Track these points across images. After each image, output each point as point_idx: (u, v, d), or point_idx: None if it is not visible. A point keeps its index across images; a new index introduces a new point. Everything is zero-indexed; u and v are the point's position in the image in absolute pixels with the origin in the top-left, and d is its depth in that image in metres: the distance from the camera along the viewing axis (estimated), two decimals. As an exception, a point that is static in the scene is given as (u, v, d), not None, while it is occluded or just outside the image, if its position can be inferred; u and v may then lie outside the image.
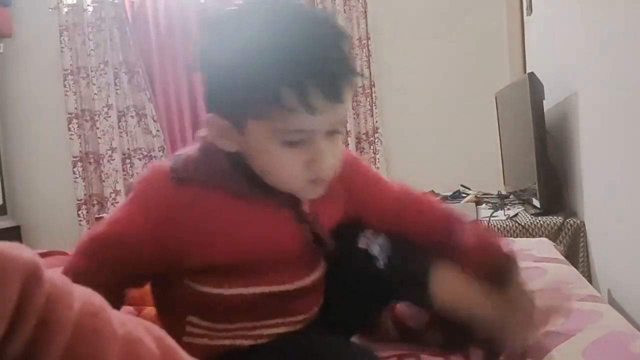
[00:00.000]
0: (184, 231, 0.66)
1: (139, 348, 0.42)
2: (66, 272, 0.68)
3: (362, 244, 0.74)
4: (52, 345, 0.36)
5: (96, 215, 3.72)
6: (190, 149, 0.72)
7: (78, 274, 0.62)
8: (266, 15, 0.63)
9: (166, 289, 0.74)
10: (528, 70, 2.65)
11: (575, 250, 2.01)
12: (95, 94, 3.85)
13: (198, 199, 0.67)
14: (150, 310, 1.11)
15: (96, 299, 0.42)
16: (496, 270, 0.79)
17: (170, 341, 0.47)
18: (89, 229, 3.86)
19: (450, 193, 2.83)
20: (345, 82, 0.63)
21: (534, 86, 2.05)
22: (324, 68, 0.61)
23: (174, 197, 0.67)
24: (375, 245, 0.74)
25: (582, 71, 1.90)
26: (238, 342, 0.72)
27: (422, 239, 0.80)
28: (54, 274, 0.40)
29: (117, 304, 0.70)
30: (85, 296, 0.41)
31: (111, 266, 0.67)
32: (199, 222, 0.66)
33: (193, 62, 0.71)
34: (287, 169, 0.66)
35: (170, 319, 0.74)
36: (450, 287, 0.76)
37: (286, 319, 0.74)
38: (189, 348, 0.60)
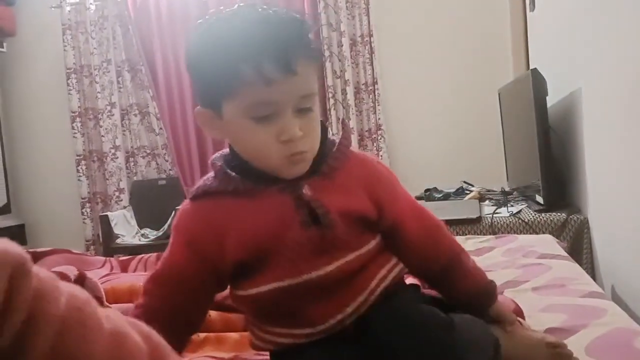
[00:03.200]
0: (209, 238, 0.74)
1: (125, 342, 0.43)
2: (138, 314, 0.74)
3: None
4: (39, 338, 0.36)
5: (100, 214, 3.73)
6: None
7: (149, 311, 0.73)
8: (235, 14, 0.73)
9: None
10: (531, 66, 2.65)
11: (579, 246, 2.00)
12: (98, 92, 3.86)
13: (211, 207, 0.75)
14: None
15: (81, 294, 0.42)
16: (484, 295, 0.85)
17: (157, 338, 0.47)
18: (93, 227, 3.88)
19: (454, 189, 2.83)
20: (297, 54, 0.69)
21: (537, 82, 2.04)
22: (276, 43, 0.69)
23: (194, 213, 0.76)
24: None
25: (586, 66, 1.89)
26: (268, 345, 0.78)
27: (438, 260, 0.83)
28: (39, 269, 0.40)
29: (197, 326, 0.81)
30: (70, 290, 0.41)
31: (179, 295, 0.75)
32: (217, 227, 0.73)
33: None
34: (261, 145, 0.71)
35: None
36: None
37: (305, 330, 0.74)
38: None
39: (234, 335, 1.07)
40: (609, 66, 1.63)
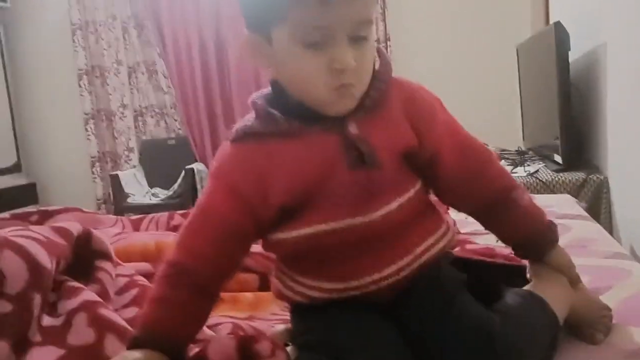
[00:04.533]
0: (252, 182, 0.70)
1: None
2: (169, 272, 0.70)
3: None
4: None
5: (110, 173, 3.72)
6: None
7: (183, 270, 0.68)
8: None
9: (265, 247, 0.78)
10: (551, 21, 2.55)
11: (597, 206, 1.96)
12: (104, 49, 3.79)
13: (254, 149, 0.71)
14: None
15: None
16: (540, 238, 0.78)
17: None
18: (103, 186, 3.88)
19: (468, 149, 2.77)
20: None
21: (560, 37, 1.96)
22: None
23: (235, 156, 0.72)
24: None
25: (611, 20, 1.81)
26: (297, 297, 0.74)
27: (483, 193, 0.77)
28: None
29: (232, 272, 0.75)
30: None
31: (219, 245, 0.71)
32: (260, 170, 0.70)
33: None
34: (308, 72, 0.67)
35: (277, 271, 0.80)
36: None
37: (337, 284, 0.71)
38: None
39: (248, 295, 1.05)
40: (635, 20, 1.55)
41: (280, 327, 0.81)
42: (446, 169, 0.75)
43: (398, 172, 0.72)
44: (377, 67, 0.73)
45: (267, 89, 0.75)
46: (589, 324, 0.77)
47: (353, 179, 0.69)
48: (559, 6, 2.77)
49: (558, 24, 1.97)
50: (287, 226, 0.71)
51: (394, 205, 0.71)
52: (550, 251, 0.78)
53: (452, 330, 0.66)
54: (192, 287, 0.68)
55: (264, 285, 1.08)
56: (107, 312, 0.76)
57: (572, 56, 2.04)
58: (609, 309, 0.80)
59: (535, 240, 0.78)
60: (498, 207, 0.77)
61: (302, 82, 0.68)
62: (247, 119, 0.73)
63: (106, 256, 0.92)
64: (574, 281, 0.80)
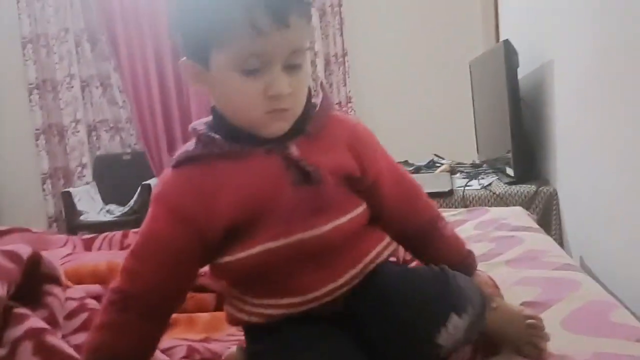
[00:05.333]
0: (196, 205, 0.70)
1: None
2: (115, 299, 0.69)
3: (442, 339, 0.68)
4: None
5: (62, 190, 3.61)
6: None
7: (130, 296, 0.68)
8: None
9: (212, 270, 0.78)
10: (501, 38, 2.64)
11: (548, 218, 2.03)
12: (56, 63, 3.69)
13: (196, 173, 0.71)
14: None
15: None
16: (462, 265, 0.84)
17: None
18: (55, 203, 3.76)
19: (424, 163, 2.82)
20: (290, 7, 0.67)
21: (509, 54, 2.03)
22: None
23: (178, 180, 0.72)
24: (451, 340, 0.69)
25: (557, 38, 1.88)
26: (252, 318, 0.74)
27: (414, 222, 0.84)
28: None
29: (181, 297, 0.75)
30: None
31: (165, 271, 0.71)
32: (204, 192, 0.70)
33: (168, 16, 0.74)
34: (245, 98, 0.69)
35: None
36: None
37: (294, 299, 0.72)
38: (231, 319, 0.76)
39: (204, 316, 1.03)
40: (580, 38, 1.63)
41: (235, 348, 0.80)
42: (384, 197, 0.81)
43: (342, 191, 0.75)
44: (320, 99, 0.76)
45: (207, 118, 0.76)
46: (519, 337, 0.80)
47: (299, 196, 0.71)
48: (508, 25, 2.87)
49: (507, 42, 2.04)
50: (236, 247, 0.71)
51: (344, 219, 0.74)
52: (471, 276, 0.84)
53: (410, 278, 0.72)
54: (140, 311, 0.67)
55: (221, 305, 1.06)
56: (54, 340, 0.73)
57: (522, 72, 2.11)
58: (535, 317, 0.82)
59: (457, 267, 0.82)
60: (426, 235, 0.84)
61: (237, 106, 0.71)
62: (188, 145, 0.73)
63: (55, 280, 0.89)
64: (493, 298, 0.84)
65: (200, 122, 0.75)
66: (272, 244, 0.70)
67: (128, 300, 0.68)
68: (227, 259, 0.72)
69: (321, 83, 0.89)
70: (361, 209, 0.77)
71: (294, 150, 0.72)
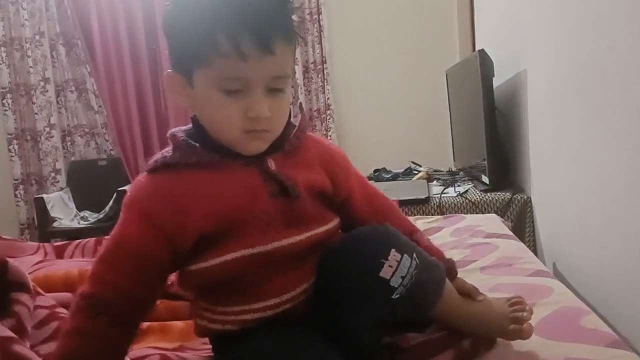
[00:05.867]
0: (169, 212, 0.70)
1: None
2: (83, 305, 0.68)
3: (384, 273, 0.69)
4: None
5: (35, 196, 3.54)
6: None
7: (98, 302, 0.67)
8: None
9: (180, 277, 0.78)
10: (477, 47, 2.68)
11: (522, 225, 2.06)
12: (30, 67, 3.63)
13: (172, 180, 0.72)
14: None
15: None
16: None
17: None
18: (27, 210, 3.68)
19: (402, 170, 2.84)
20: (276, 34, 0.68)
21: (484, 63, 2.06)
22: (256, 18, 0.67)
23: (152, 186, 0.72)
24: (397, 277, 0.70)
25: (530, 48, 1.92)
26: (227, 327, 0.74)
27: None
28: None
29: (151, 302, 0.74)
30: None
31: (134, 276, 0.70)
32: (178, 200, 0.70)
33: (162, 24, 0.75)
34: (225, 117, 0.70)
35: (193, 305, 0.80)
36: (451, 310, 0.82)
37: (269, 301, 0.72)
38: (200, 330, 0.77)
39: (178, 324, 1.02)
40: (553, 49, 1.66)
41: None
42: (357, 213, 0.84)
43: (316, 205, 0.77)
44: (299, 120, 0.79)
45: (187, 126, 0.77)
46: (503, 318, 0.82)
47: (276, 207, 0.72)
48: (484, 35, 2.91)
49: (482, 52, 2.08)
50: (209, 255, 0.71)
51: (317, 231, 0.75)
52: (452, 282, 0.86)
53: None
54: (110, 316, 0.67)
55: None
56: (21, 349, 0.71)
57: (497, 82, 2.15)
58: (517, 297, 0.86)
59: None
60: None
61: (217, 123, 0.72)
62: (165, 152, 0.74)
63: (23, 287, 0.87)
64: (475, 295, 0.86)
65: (180, 130, 0.76)
66: (247, 251, 0.70)
67: (98, 306, 0.67)
68: (199, 265, 0.72)
69: (300, 104, 0.93)
70: (335, 222, 0.79)
71: (271, 164, 0.74)
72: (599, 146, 1.32)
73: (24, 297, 0.85)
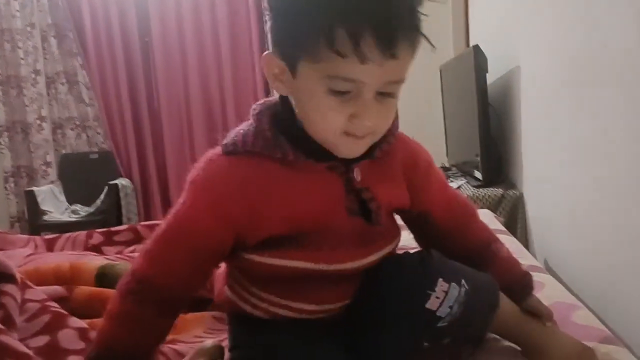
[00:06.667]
0: (241, 204, 0.65)
1: None
2: (134, 289, 0.65)
3: (430, 304, 0.67)
4: None
5: (26, 188, 3.51)
6: (241, 125, 0.69)
7: (151, 286, 0.64)
8: None
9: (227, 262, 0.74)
10: (471, 44, 2.68)
11: (514, 221, 2.06)
12: (21, 58, 3.59)
13: (250, 169, 0.65)
14: (82, 290, 1.04)
15: None
16: (517, 286, 0.83)
17: None
18: (17, 202, 3.65)
19: (395, 165, 2.84)
20: (403, 38, 0.59)
21: (478, 59, 2.06)
22: (384, 18, 0.57)
23: (228, 170, 0.65)
24: (445, 307, 0.67)
25: (524, 44, 1.92)
26: (257, 312, 0.72)
27: (466, 246, 0.82)
28: None
29: (202, 288, 0.74)
30: None
31: (192, 262, 0.67)
32: (254, 193, 0.65)
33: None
34: (328, 119, 0.62)
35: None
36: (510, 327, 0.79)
37: (309, 306, 0.71)
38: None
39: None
40: (546, 45, 1.66)
41: (209, 342, 0.79)
42: (435, 223, 0.80)
43: (390, 224, 0.74)
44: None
45: (272, 99, 0.70)
46: (569, 356, 0.77)
47: (351, 227, 0.69)
48: (478, 31, 2.91)
49: (476, 47, 2.07)
50: (269, 253, 0.68)
51: (384, 250, 0.73)
52: (526, 298, 0.82)
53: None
54: (159, 304, 0.65)
55: (188, 307, 1.04)
56: (7, 339, 0.71)
57: (490, 78, 2.15)
58: (590, 350, 0.78)
59: (513, 289, 0.82)
60: (479, 257, 0.81)
61: (317, 122, 0.64)
62: (246, 133, 0.67)
63: (10, 279, 0.86)
64: (544, 319, 0.82)
65: (265, 107, 0.68)
66: (309, 265, 0.68)
67: (150, 292, 0.65)
68: (255, 258, 0.69)
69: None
70: (399, 238, 0.77)
71: (357, 174, 0.69)
72: (591, 142, 1.33)
73: (11, 289, 0.84)
